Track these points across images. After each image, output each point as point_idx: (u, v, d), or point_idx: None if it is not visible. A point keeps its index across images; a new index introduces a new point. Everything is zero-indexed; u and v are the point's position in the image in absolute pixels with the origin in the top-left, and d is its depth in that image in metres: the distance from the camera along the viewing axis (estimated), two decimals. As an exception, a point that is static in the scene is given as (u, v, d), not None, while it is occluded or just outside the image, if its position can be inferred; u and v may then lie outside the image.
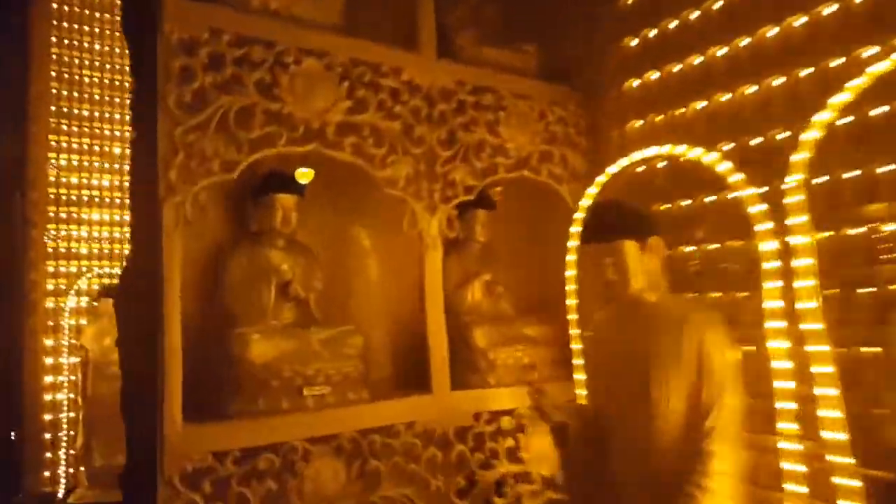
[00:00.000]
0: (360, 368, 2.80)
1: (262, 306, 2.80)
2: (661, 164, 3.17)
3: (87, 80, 7.15)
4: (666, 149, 2.59)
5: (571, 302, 2.95)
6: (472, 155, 3.15)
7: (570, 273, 2.94)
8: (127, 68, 7.36)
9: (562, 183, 3.45)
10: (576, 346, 2.96)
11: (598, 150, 3.48)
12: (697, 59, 3.06)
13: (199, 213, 2.43)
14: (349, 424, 2.65)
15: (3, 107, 6.82)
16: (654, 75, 3.27)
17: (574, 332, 2.95)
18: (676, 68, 3.16)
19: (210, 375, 2.58)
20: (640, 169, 3.11)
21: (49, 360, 6.45)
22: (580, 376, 2.87)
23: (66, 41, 7.00)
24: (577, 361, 2.94)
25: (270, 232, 2.90)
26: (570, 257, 2.94)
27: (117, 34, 7.28)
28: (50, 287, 6.68)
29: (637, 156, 2.69)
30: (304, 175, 2.98)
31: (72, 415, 6.35)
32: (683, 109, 3.10)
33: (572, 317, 2.96)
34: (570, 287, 2.94)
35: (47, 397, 6.38)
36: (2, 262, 6.80)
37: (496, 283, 3.48)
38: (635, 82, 3.38)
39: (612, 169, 2.78)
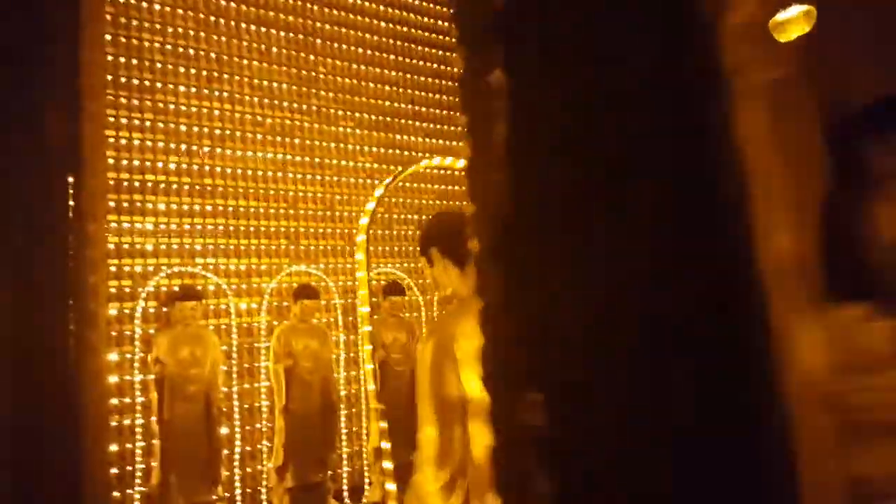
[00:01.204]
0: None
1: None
2: None
3: (146, 45, 5.93)
4: None
5: None
6: None
7: None
8: (191, 32, 6.19)
9: None
10: None
11: None
12: None
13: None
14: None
15: (52, 76, 5.64)
16: None
17: None
18: None
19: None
20: None
21: (114, 379, 5.26)
22: None
23: (121, 1, 5.81)
24: None
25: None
26: None
27: (180, -9, 6.09)
28: (112, 291, 5.49)
29: None
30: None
31: (143, 444, 5.19)
32: None
33: None
34: None
35: (113, 423, 5.23)
36: (52, 263, 5.60)
37: None
38: None
39: None
